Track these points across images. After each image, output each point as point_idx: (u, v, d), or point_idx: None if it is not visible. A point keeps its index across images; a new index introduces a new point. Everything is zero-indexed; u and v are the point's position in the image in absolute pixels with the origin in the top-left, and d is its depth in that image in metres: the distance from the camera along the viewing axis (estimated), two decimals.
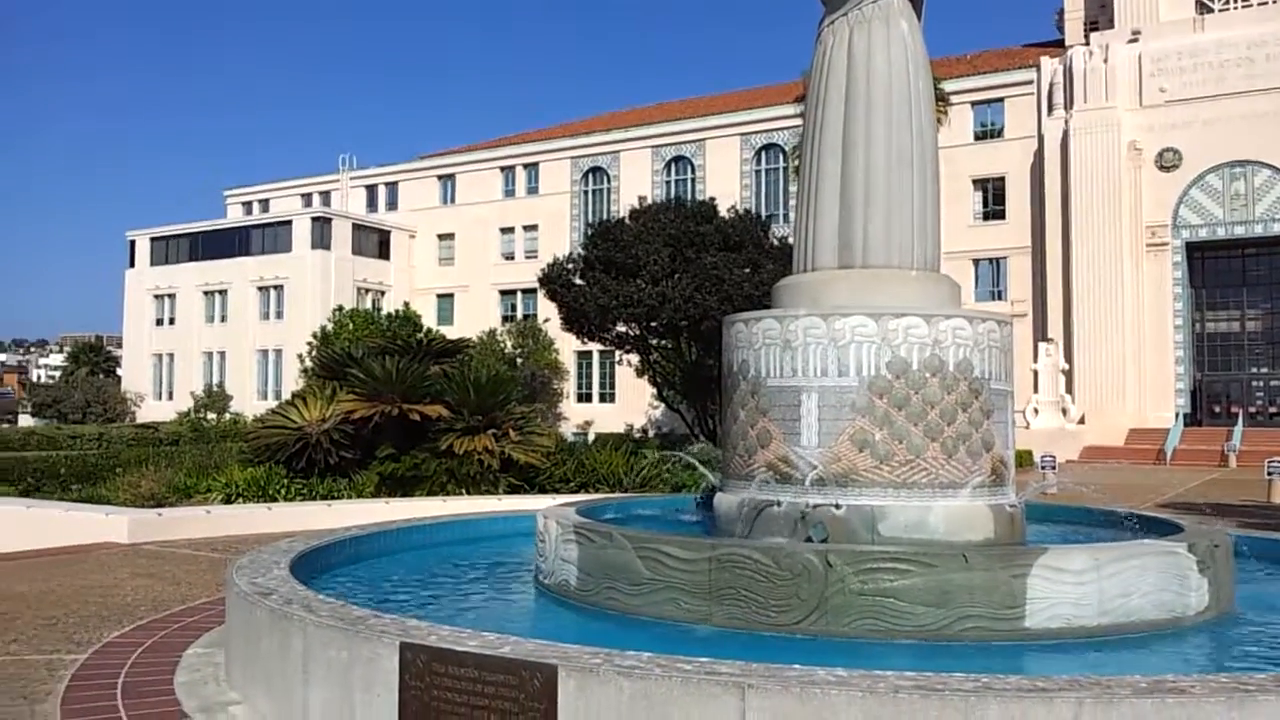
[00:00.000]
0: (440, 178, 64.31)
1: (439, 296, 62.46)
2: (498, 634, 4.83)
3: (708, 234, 30.15)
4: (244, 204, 71.25)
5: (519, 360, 50.73)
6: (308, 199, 67.89)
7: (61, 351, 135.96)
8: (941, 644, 5.80)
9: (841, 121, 7.91)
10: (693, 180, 55.43)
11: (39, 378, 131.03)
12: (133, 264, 66.49)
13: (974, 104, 48.52)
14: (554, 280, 32.56)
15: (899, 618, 5.86)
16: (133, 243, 66.73)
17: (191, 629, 7.68)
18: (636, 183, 55.65)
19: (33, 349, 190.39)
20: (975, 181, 48.00)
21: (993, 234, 47.54)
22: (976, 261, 47.62)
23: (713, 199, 34.87)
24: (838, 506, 6.95)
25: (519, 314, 58.97)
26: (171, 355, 64.41)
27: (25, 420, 71.75)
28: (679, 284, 29.11)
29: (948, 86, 40.98)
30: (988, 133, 48.90)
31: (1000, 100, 48.57)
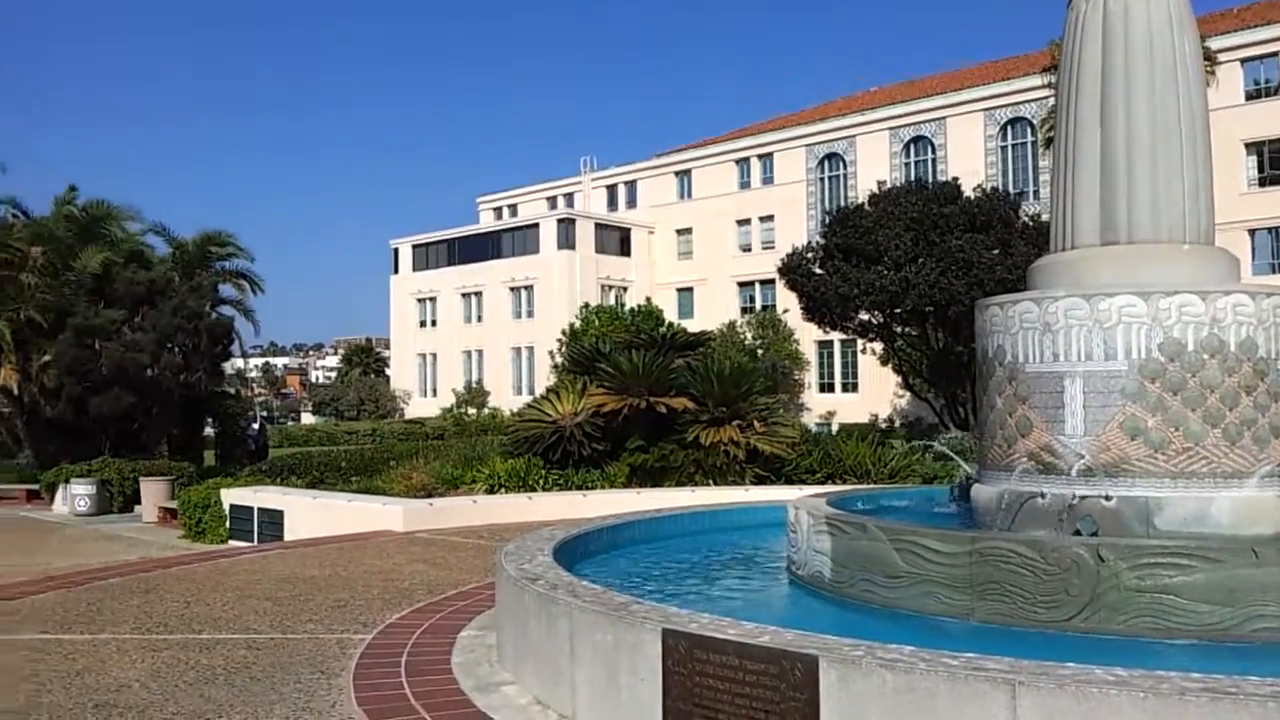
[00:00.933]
0: (677, 174, 65.18)
1: (679, 290, 63.33)
2: (756, 623, 4.88)
3: (952, 215, 29.19)
4: (495, 209, 74.68)
5: (759, 351, 50.73)
6: (553, 201, 70.44)
7: (336, 354, 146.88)
8: (1227, 645, 5.40)
9: (1099, 89, 7.48)
10: (933, 160, 53.67)
11: (317, 379, 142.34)
12: (396, 270, 71.06)
13: (1244, 61, 44.46)
14: (793, 270, 32.41)
15: (1180, 616, 5.50)
16: (396, 250, 71.32)
17: (464, 612, 8.15)
18: (874, 167, 54.40)
19: (311, 352, 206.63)
20: (1248, 145, 44.00)
21: (1271, 201, 43.43)
22: (1253, 232, 43.68)
23: (956, 179, 33.72)
24: (1107, 498, 6.59)
25: (758, 305, 58.95)
26: (434, 355, 68.40)
27: (307, 418, 78.28)
28: (923, 269, 28.33)
29: (1214, 44, 37.76)
30: (1261, 91, 44.71)
31: (1275, 55, 44.33)
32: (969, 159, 51.22)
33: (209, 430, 34.87)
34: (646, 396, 18.09)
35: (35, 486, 27.63)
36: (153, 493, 23.25)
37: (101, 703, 5.74)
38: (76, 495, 24.43)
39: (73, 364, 28.24)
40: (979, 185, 33.71)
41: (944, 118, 53.63)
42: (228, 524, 17.93)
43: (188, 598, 9.09)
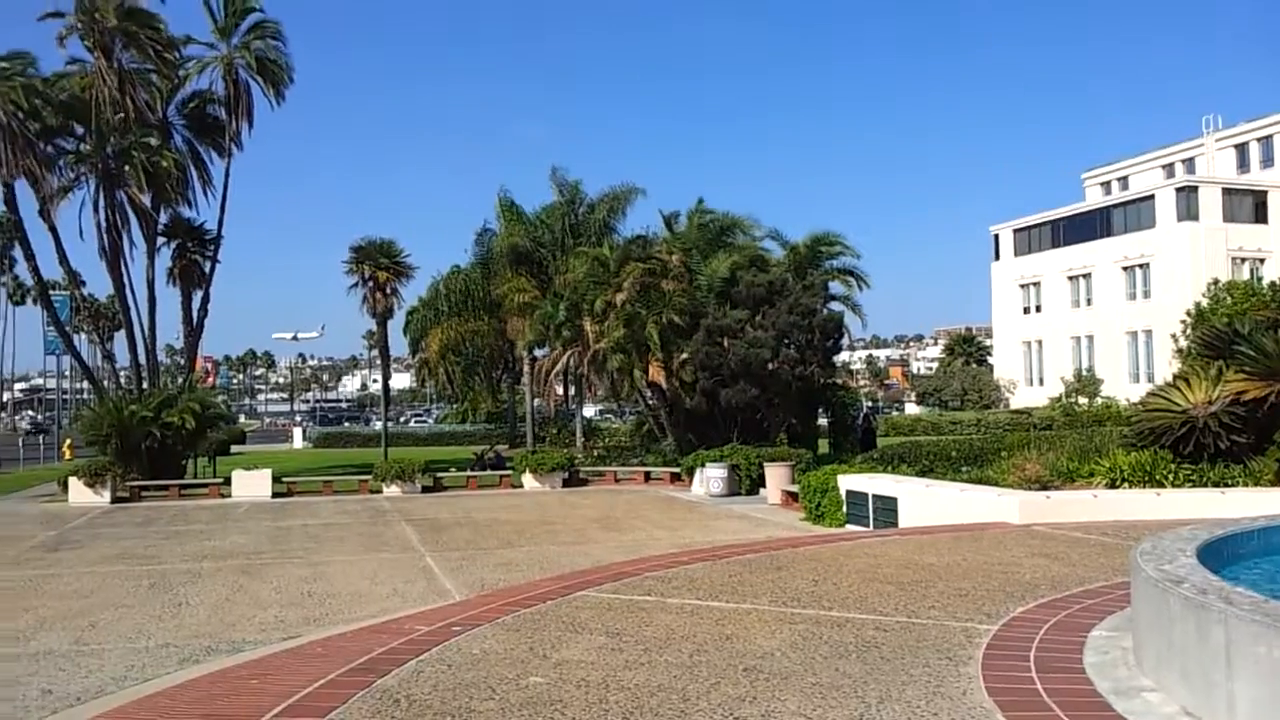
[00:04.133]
0: None
1: None
2: None
3: None
4: (1102, 184, 70.09)
5: None
6: (1169, 169, 64.34)
7: (937, 344, 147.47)
8: None
9: None
10: None
11: (918, 369, 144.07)
12: (997, 256, 69.47)
13: None
14: None
15: None
16: (996, 236, 69.74)
17: (1092, 610, 7.77)
18: None
19: (912, 343, 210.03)
20: None
21: None
22: None
23: None
24: None
25: None
26: (1039, 342, 65.84)
27: (910, 408, 79.50)
28: None
29: None
30: None
31: None
32: None
33: (821, 420, 36.83)
34: None
35: (676, 469, 31.17)
36: (776, 477, 25.06)
37: (750, 667, 6.34)
38: (710, 478, 27.13)
39: (705, 360, 31.53)
40: None
41: None
42: (844, 508, 18.79)
43: (815, 576, 9.71)
